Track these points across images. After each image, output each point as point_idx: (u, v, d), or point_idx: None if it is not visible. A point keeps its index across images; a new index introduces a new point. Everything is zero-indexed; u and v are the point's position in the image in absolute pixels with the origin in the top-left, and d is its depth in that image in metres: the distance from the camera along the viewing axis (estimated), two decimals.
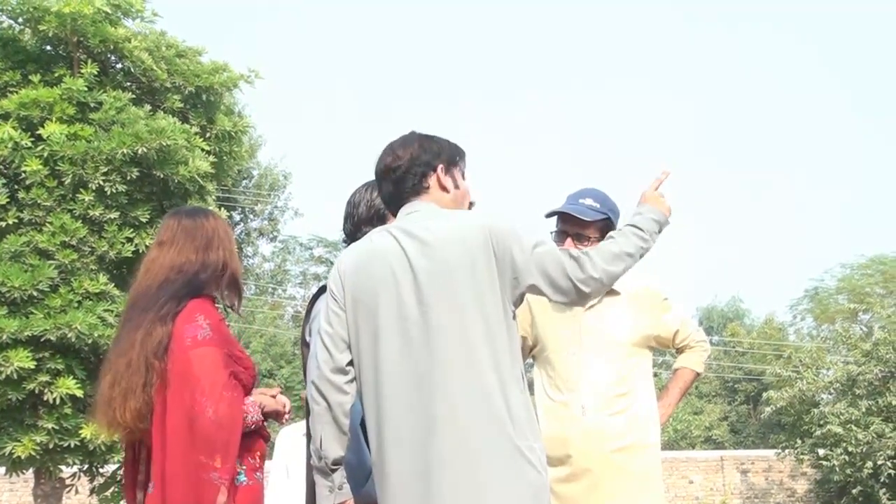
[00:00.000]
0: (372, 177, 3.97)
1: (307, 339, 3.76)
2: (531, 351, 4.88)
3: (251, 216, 40.53)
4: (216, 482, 3.51)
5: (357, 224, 3.86)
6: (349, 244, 3.90)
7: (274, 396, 3.88)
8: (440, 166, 3.55)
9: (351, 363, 3.36)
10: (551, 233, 4.71)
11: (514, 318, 3.37)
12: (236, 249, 3.90)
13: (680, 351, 4.95)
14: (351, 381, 3.36)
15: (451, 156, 3.62)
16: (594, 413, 4.55)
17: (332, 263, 42.28)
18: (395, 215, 3.55)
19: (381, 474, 3.25)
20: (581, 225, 4.60)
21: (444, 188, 3.54)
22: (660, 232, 3.61)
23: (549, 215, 4.71)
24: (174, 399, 3.57)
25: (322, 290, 3.78)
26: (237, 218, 38.24)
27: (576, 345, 4.66)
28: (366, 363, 3.33)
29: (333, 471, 3.38)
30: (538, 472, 3.20)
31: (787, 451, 24.86)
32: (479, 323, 3.24)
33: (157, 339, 3.62)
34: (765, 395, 26.97)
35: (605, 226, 4.64)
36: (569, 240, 4.62)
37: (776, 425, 29.13)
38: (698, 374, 5.02)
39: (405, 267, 3.32)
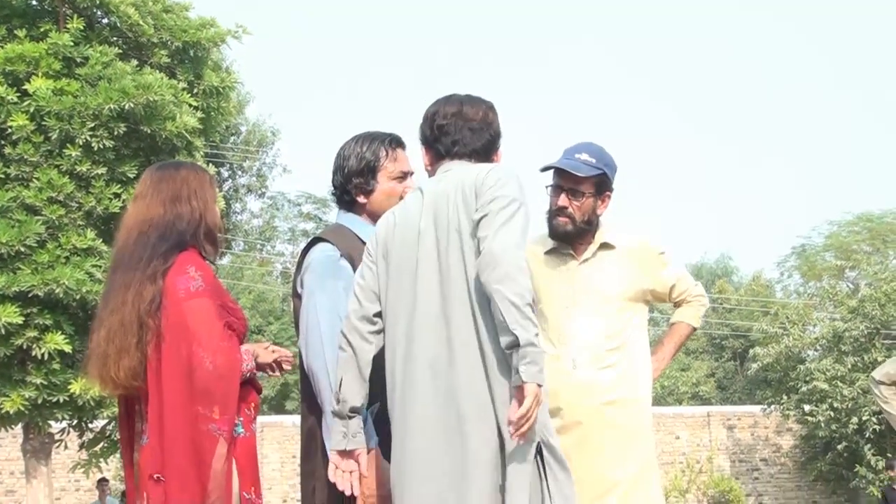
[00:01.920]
0: (360, 131, 3.96)
1: (298, 290, 3.76)
2: None
3: (239, 172, 40.34)
4: (215, 434, 3.51)
5: (347, 177, 3.85)
6: (338, 197, 3.90)
7: (266, 349, 3.87)
8: (499, 147, 3.72)
9: (378, 314, 3.51)
10: (547, 187, 4.69)
11: None
12: (214, 200, 3.85)
13: (677, 305, 4.93)
14: (376, 331, 3.50)
15: None
16: (585, 367, 4.55)
17: (320, 220, 42.30)
18: (437, 152, 3.63)
19: (403, 415, 3.39)
20: (575, 180, 4.56)
21: None
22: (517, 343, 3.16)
23: (544, 169, 4.69)
24: (170, 352, 3.55)
25: (313, 241, 3.78)
26: (225, 174, 38.06)
27: (569, 299, 4.65)
28: (390, 317, 3.48)
29: (351, 417, 3.47)
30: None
31: (773, 407, 25.03)
32: (461, 270, 3.36)
33: (148, 297, 3.60)
34: (751, 351, 27.13)
35: (601, 181, 4.60)
36: (563, 195, 4.60)
37: (762, 381, 29.29)
38: (695, 329, 5.00)
39: (420, 222, 3.46)
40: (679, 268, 4.92)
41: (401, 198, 3.84)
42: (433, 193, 3.49)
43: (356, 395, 3.47)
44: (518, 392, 3.14)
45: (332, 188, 3.92)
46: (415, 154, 3.90)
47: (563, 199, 4.59)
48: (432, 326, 3.37)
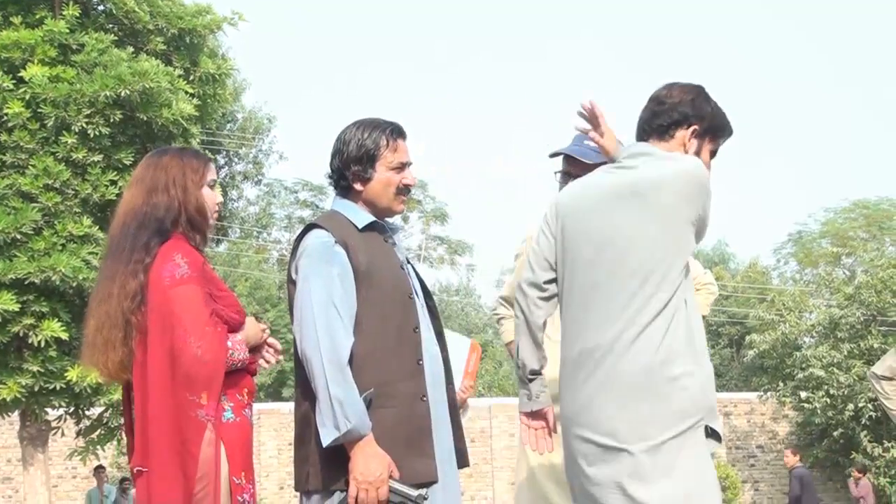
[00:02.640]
0: (357, 117, 3.94)
1: (293, 276, 3.74)
2: None
3: (236, 160, 40.24)
4: (202, 420, 3.51)
5: (345, 162, 3.80)
6: (335, 181, 3.87)
7: (256, 324, 3.87)
8: (696, 126, 3.73)
9: (549, 281, 3.68)
10: (555, 173, 4.67)
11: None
12: (198, 186, 3.80)
13: None
14: (546, 297, 3.69)
15: (714, 127, 3.82)
16: None
17: (317, 207, 42.21)
18: (640, 139, 3.76)
19: (564, 387, 3.61)
20: (583, 167, 4.51)
21: (684, 146, 3.71)
22: None
23: (553, 155, 4.65)
24: (155, 340, 3.54)
25: (308, 228, 3.77)
26: (221, 161, 37.94)
27: None
28: (564, 287, 3.63)
29: (531, 380, 3.71)
30: (687, 392, 3.45)
31: (769, 393, 25.05)
32: (652, 262, 3.47)
33: (131, 292, 3.60)
34: (748, 338, 27.13)
35: None
36: (570, 181, 4.58)
37: (759, 368, 29.28)
38: (703, 317, 4.97)
39: (606, 200, 3.58)
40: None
41: (398, 188, 3.82)
42: (624, 174, 3.60)
43: (532, 358, 3.70)
44: None
45: (329, 171, 3.89)
46: (415, 145, 3.89)
47: None
48: (598, 308, 3.51)
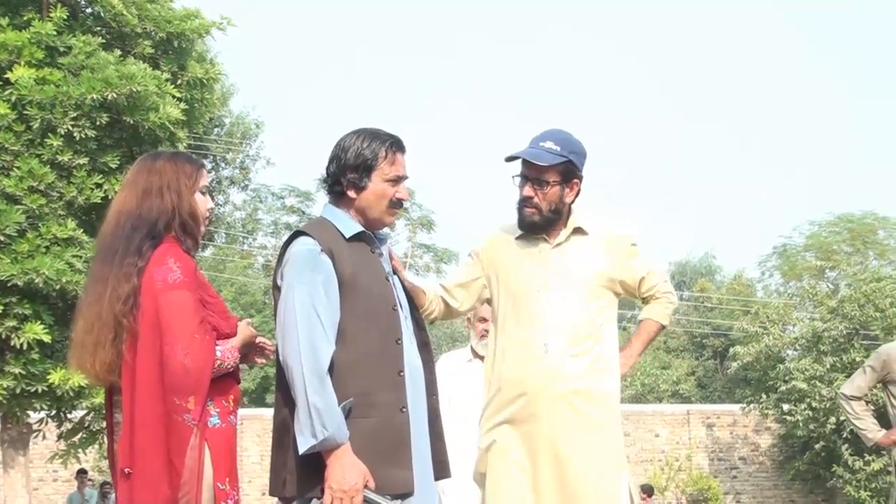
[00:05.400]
0: (345, 125, 3.95)
1: (279, 283, 3.74)
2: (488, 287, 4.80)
3: (223, 165, 40.02)
4: (189, 424, 3.53)
5: (342, 168, 3.79)
6: (330, 188, 3.87)
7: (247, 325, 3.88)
8: None
9: None
10: (514, 177, 4.64)
11: None
12: (192, 191, 3.81)
13: (646, 301, 4.83)
14: None
15: None
16: (556, 353, 4.46)
17: (303, 213, 42.13)
18: None
19: None
20: (539, 170, 4.47)
21: None
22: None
23: (509, 159, 4.60)
24: (144, 344, 3.56)
25: (295, 235, 3.77)
26: (208, 166, 37.83)
27: (541, 282, 4.54)
28: None
29: None
30: None
31: (752, 406, 25.08)
32: None
33: (123, 295, 3.61)
34: (732, 350, 27.20)
35: (566, 169, 4.50)
36: (528, 185, 4.55)
37: (742, 380, 29.35)
38: (663, 327, 4.89)
39: None
40: (650, 261, 4.84)
41: (391, 201, 3.81)
42: None
43: None
44: None
45: (325, 175, 3.89)
46: (412, 159, 3.89)
47: (528, 190, 4.49)
48: None
